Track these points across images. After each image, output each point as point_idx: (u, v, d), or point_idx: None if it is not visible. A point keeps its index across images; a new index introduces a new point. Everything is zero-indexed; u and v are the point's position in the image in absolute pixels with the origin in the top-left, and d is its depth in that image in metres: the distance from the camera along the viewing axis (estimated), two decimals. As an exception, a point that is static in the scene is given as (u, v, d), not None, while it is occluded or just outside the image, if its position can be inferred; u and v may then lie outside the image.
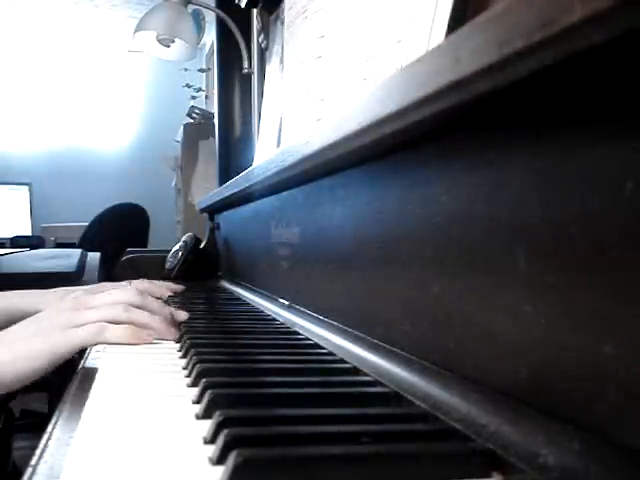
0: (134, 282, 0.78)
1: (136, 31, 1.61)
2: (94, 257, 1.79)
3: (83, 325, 0.60)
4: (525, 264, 0.31)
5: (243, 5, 1.38)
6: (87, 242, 2.80)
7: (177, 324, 0.68)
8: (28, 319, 0.63)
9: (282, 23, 1.02)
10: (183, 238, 1.35)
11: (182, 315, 0.71)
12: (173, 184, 3.70)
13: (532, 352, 0.30)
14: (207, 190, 2.32)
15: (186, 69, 3.86)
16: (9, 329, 0.61)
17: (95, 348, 0.60)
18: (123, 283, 0.78)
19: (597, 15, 0.21)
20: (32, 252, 1.92)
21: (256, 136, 1.19)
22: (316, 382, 0.44)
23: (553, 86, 0.28)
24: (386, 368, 0.45)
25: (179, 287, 0.96)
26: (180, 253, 1.30)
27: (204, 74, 4.24)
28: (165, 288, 0.91)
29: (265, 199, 0.90)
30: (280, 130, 0.93)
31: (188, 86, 3.91)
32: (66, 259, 1.72)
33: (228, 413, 0.34)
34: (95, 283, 0.95)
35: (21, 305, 0.78)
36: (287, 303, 0.77)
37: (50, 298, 0.80)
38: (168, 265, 1.30)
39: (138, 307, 0.65)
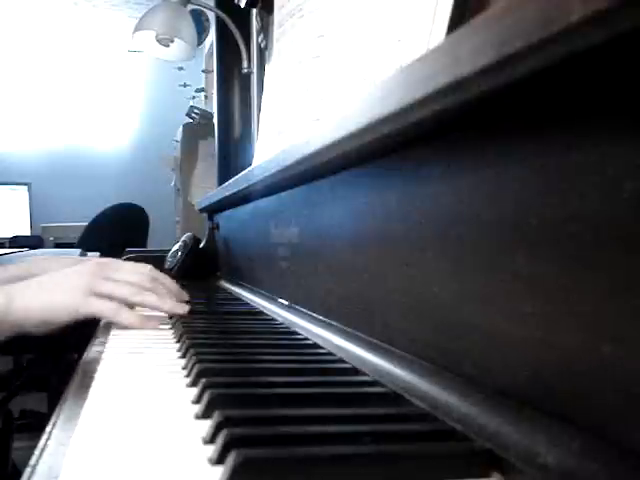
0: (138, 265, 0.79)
1: (135, 31, 1.61)
2: (93, 257, 1.79)
3: (102, 295, 0.69)
4: (525, 264, 0.31)
5: (243, 5, 1.38)
6: (86, 242, 2.79)
7: (185, 301, 0.79)
8: (53, 273, 0.72)
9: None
10: (182, 238, 1.35)
11: (185, 296, 0.81)
12: (172, 184, 3.70)
13: (532, 352, 0.30)
14: (206, 190, 2.32)
15: (180, 68, 3.85)
16: (34, 279, 0.71)
17: (95, 348, 0.60)
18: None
19: (597, 15, 0.21)
20: (31, 252, 1.92)
21: (256, 136, 1.18)
22: (316, 382, 0.44)
23: (553, 86, 0.28)
24: (385, 368, 0.45)
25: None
26: (179, 253, 1.30)
27: (203, 74, 4.23)
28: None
29: (265, 199, 0.90)
30: (280, 130, 0.92)
31: (185, 85, 3.90)
32: (65, 259, 1.71)
33: (227, 413, 0.34)
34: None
35: (34, 270, 0.84)
36: (287, 303, 0.77)
37: (63, 262, 0.87)
38: (167, 265, 1.30)
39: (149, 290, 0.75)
